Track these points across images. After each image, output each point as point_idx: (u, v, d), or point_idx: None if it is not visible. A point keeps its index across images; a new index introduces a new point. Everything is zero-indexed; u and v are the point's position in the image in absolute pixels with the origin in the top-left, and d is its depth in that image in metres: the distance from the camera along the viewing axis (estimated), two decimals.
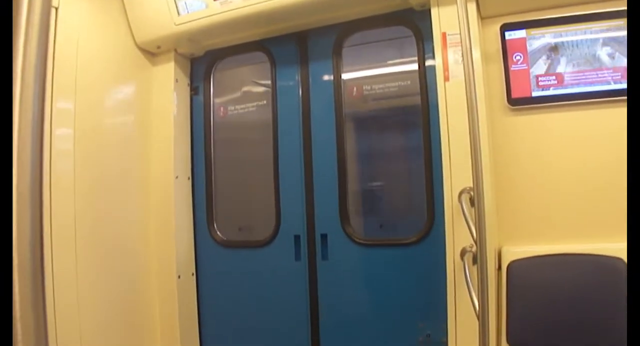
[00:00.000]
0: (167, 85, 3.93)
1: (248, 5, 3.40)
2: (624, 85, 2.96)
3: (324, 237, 3.63)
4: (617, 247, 2.85)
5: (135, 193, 3.75)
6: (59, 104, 3.10)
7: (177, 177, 3.86)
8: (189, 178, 4.02)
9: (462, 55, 2.54)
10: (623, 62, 2.98)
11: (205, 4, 3.52)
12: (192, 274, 3.96)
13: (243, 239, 4.10)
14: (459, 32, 2.57)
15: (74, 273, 3.11)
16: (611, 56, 3.02)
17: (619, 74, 2.99)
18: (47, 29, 1.06)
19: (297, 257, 3.70)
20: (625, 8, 2.97)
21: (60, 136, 3.10)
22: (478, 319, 2.41)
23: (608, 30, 3.04)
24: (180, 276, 3.80)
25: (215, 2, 3.49)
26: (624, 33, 2.99)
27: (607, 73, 3.01)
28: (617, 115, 2.96)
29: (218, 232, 4.02)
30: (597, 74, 3.03)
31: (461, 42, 2.52)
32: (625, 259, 2.80)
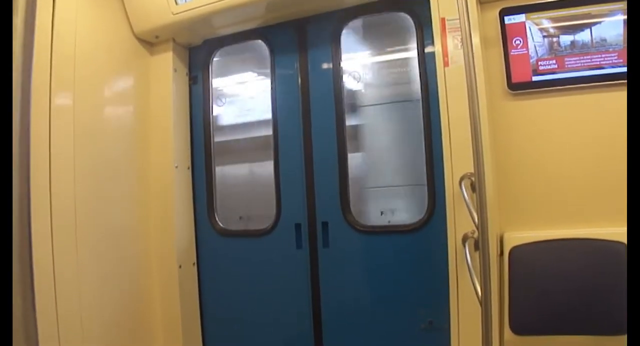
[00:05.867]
0: (166, 75, 3.92)
1: None
2: (626, 69, 2.95)
3: (324, 225, 3.63)
4: (619, 231, 2.83)
5: (135, 183, 3.74)
6: (58, 95, 3.09)
7: (176, 167, 3.85)
8: (188, 168, 4.01)
9: (462, 41, 2.53)
10: (624, 45, 2.97)
11: None
12: (193, 264, 3.96)
13: (244, 228, 4.08)
14: (458, 17, 2.55)
15: (75, 264, 3.11)
16: (612, 40, 3.00)
17: (621, 58, 2.97)
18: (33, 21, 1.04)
19: (299, 245, 3.69)
20: None
21: (60, 127, 3.08)
22: (481, 305, 2.40)
23: (609, 13, 3.02)
24: (181, 266, 3.80)
25: None
26: (625, 16, 2.98)
27: (608, 57, 2.99)
28: (619, 99, 2.94)
29: (218, 221, 4.01)
30: (599, 58, 3.01)
31: (460, 27, 2.50)
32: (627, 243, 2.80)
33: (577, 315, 2.81)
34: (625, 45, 2.97)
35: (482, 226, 2.44)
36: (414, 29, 3.47)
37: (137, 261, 3.70)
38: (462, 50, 2.56)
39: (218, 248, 3.98)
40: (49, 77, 3.02)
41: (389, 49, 3.94)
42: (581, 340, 2.82)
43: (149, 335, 3.73)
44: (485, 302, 2.40)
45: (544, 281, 2.91)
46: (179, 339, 3.75)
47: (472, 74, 2.45)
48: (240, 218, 4.13)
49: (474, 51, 2.51)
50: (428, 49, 3.39)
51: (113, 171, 3.54)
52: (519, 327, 2.92)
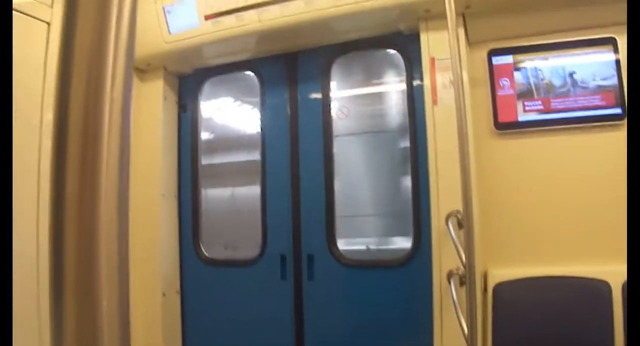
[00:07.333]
0: (155, 103, 3.94)
1: (240, 26, 3.43)
2: (610, 111, 3.03)
3: (310, 257, 3.63)
4: (602, 270, 2.90)
5: None
6: (47, 117, 3.07)
7: (163, 195, 3.85)
8: (175, 196, 4.01)
9: (452, 81, 2.59)
10: (608, 88, 3.05)
11: (198, 22, 3.54)
12: (177, 292, 3.94)
13: (229, 257, 4.08)
14: (448, 57, 2.61)
15: None
16: (596, 83, 3.08)
17: (605, 100, 3.05)
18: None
19: (283, 276, 3.69)
20: (611, 36, 3.05)
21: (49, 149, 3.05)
22: (467, 342, 2.43)
23: (594, 57, 3.11)
24: (165, 294, 3.78)
25: (207, 21, 3.51)
26: (611, 59, 3.06)
27: (593, 99, 3.07)
28: (603, 140, 3.04)
29: (204, 250, 4.00)
30: (584, 100, 3.09)
31: (452, 67, 2.56)
32: (609, 282, 2.85)
33: None
34: (611, 86, 3.05)
35: (469, 264, 2.47)
36: (404, 67, 3.52)
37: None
38: (450, 89, 2.64)
39: (202, 277, 3.96)
40: (41, 100, 3.01)
41: (378, 83, 3.98)
42: None
43: None
44: (471, 339, 2.43)
45: (527, 318, 2.95)
46: None
47: (462, 112, 2.50)
48: (226, 248, 4.11)
49: (464, 91, 2.56)
50: (417, 87, 3.43)
51: None
52: None
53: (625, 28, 2.90)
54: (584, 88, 3.11)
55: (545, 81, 3.18)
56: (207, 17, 3.52)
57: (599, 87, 3.08)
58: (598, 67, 3.11)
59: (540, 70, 3.20)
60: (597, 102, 3.08)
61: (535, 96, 3.18)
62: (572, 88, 3.13)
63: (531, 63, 3.22)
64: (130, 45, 0.65)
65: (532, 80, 3.20)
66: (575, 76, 3.14)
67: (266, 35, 3.52)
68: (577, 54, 3.15)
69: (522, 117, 3.20)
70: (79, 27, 0.59)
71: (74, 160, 0.58)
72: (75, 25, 0.59)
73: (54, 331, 0.60)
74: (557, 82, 3.16)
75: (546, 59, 3.20)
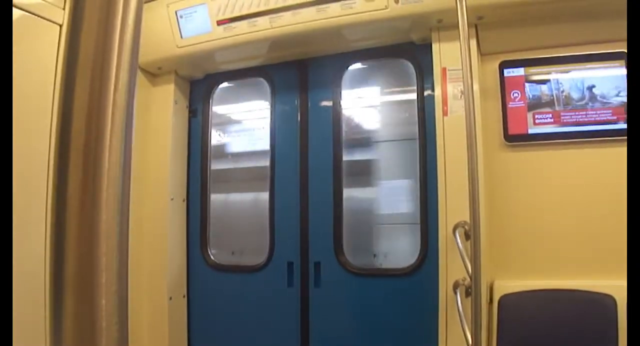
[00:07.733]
0: (166, 107, 3.95)
1: (251, 32, 3.44)
2: (620, 126, 3.01)
3: (317, 264, 3.63)
4: (607, 284, 2.88)
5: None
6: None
7: (172, 199, 3.86)
8: (184, 200, 4.03)
9: (463, 91, 2.58)
10: (619, 102, 3.03)
11: (209, 28, 3.55)
12: (184, 296, 3.95)
13: (236, 263, 4.08)
14: (459, 68, 2.61)
15: None
16: (607, 97, 3.07)
17: (615, 115, 3.03)
18: None
19: (290, 283, 3.69)
20: (622, 50, 3.03)
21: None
22: None
23: (606, 71, 3.09)
24: (172, 298, 3.79)
25: (219, 27, 3.52)
26: (622, 74, 3.05)
27: (603, 113, 3.06)
28: (612, 155, 3.02)
29: (211, 255, 4.01)
30: (594, 114, 3.07)
31: (463, 78, 2.56)
32: (615, 296, 2.83)
33: None
34: (621, 101, 3.04)
35: (475, 275, 2.46)
36: (415, 77, 3.53)
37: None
38: (461, 100, 2.63)
39: (209, 282, 3.97)
40: (51, 103, 3.01)
41: (388, 92, 3.98)
42: None
43: None
44: None
45: (532, 330, 2.93)
46: None
47: (472, 124, 2.50)
48: (233, 253, 4.11)
49: (474, 102, 2.55)
50: (427, 97, 3.44)
51: None
52: None
53: None
54: (595, 102, 3.09)
55: (555, 94, 3.17)
56: (219, 23, 3.53)
57: (610, 101, 3.07)
58: (610, 81, 3.09)
59: (551, 82, 3.19)
60: (608, 117, 3.06)
61: (546, 109, 3.17)
62: (582, 102, 3.11)
63: (543, 76, 3.21)
64: (135, 49, 0.65)
65: (542, 93, 3.19)
66: (586, 90, 3.12)
67: (278, 42, 3.54)
68: (589, 68, 3.14)
69: (533, 130, 3.19)
70: (84, 29, 0.60)
71: (76, 160, 0.59)
72: (80, 27, 0.60)
73: (53, 330, 0.61)
74: (567, 95, 3.15)
75: (558, 72, 3.19)
